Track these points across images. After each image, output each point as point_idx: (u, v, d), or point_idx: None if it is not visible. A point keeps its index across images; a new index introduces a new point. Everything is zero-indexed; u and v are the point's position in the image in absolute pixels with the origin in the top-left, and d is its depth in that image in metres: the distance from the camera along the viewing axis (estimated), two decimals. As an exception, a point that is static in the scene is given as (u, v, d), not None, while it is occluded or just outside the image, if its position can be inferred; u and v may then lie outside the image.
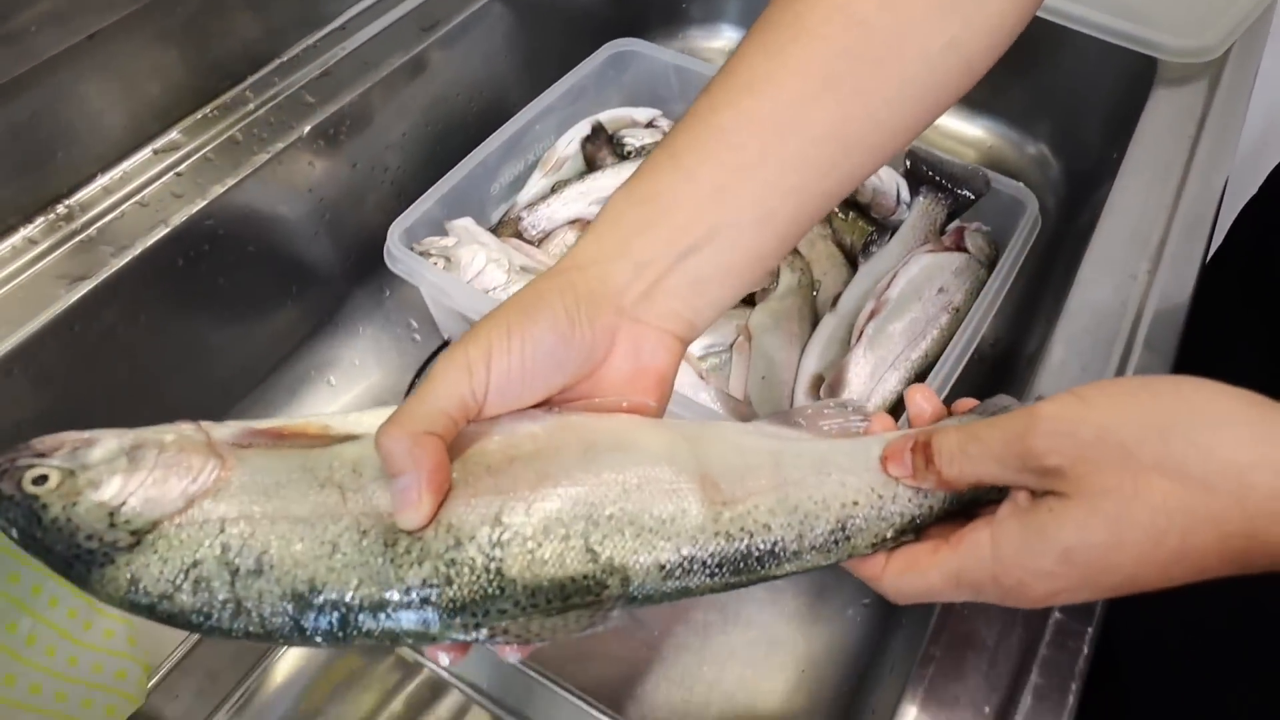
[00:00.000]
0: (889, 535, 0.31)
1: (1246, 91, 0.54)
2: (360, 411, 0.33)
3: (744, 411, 0.53)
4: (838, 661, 0.51)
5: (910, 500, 0.30)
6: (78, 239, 0.49)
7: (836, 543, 0.31)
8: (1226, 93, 0.54)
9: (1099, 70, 0.62)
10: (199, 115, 0.54)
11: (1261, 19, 0.58)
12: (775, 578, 0.31)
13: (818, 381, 0.54)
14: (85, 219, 0.50)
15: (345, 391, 0.62)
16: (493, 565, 0.29)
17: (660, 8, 0.80)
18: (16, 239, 0.48)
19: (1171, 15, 0.57)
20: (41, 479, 0.29)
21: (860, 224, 0.64)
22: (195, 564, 0.29)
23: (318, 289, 0.62)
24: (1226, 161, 0.50)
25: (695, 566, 0.30)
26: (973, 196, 0.58)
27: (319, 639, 0.29)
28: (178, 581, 0.29)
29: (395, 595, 0.28)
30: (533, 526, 0.29)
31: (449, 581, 0.29)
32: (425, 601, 0.29)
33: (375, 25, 0.60)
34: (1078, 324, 0.43)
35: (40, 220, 0.49)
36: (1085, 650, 0.34)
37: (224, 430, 0.31)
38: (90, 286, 0.47)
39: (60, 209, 0.50)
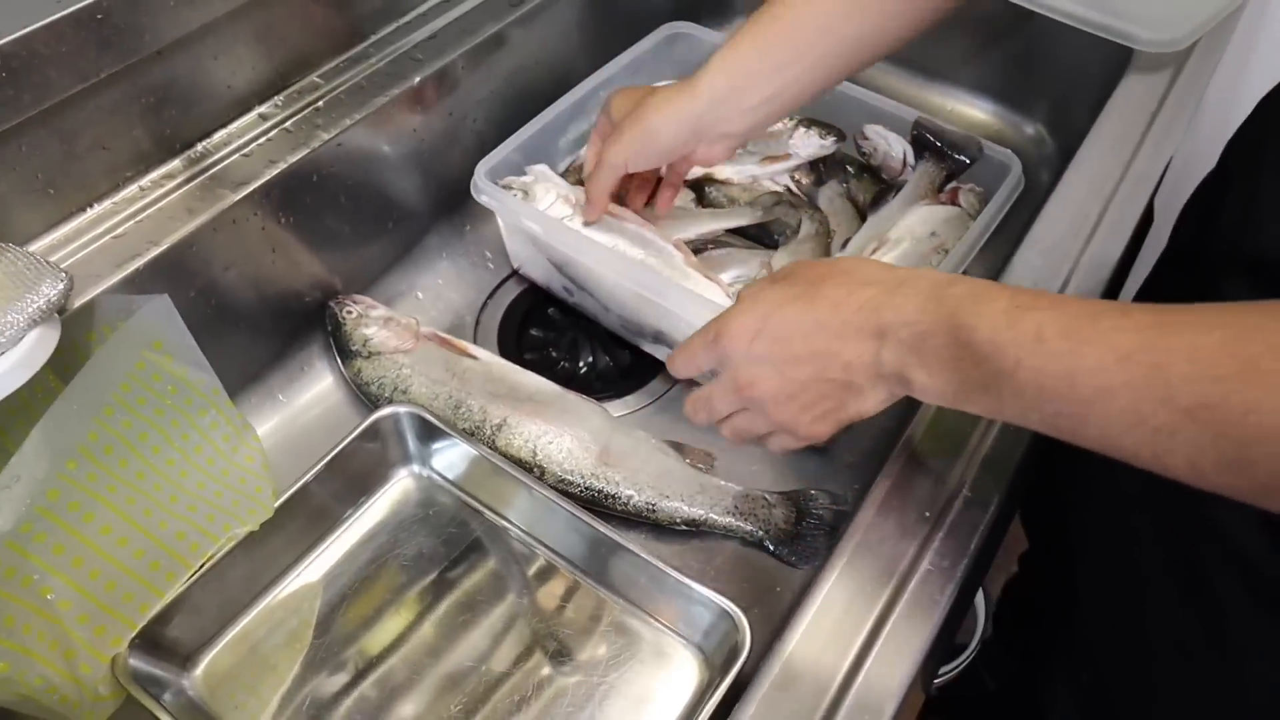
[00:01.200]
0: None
1: (1205, 78, 0.63)
2: (478, 347, 0.67)
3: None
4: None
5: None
6: (216, 169, 0.60)
7: (652, 506, 0.59)
8: (1187, 78, 0.63)
9: (1087, 59, 0.72)
10: (332, 64, 0.67)
11: (1230, 19, 0.67)
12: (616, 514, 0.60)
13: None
14: (222, 154, 0.62)
15: (430, 306, 0.74)
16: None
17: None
18: (158, 173, 0.59)
19: (1150, 11, 0.67)
20: (349, 312, 0.67)
21: (870, 184, 0.75)
22: (384, 376, 0.65)
23: (410, 220, 0.74)
24: (1178, 133, 0.59)
25: (578, 485, 0.60)
26: (968, 161, 0.69)
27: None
28: (376, 380, 0.65)
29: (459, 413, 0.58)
30: (524, 431, 0.62)
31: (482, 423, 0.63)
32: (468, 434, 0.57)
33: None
34: (1035, 248, 0.53)
35: (180, 158, 0.60)
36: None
37: (425, 328, 0.67)
38: (226, 206, 0.58)
39: (200, 147, 0.61)
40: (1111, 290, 0.52)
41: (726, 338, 0.44)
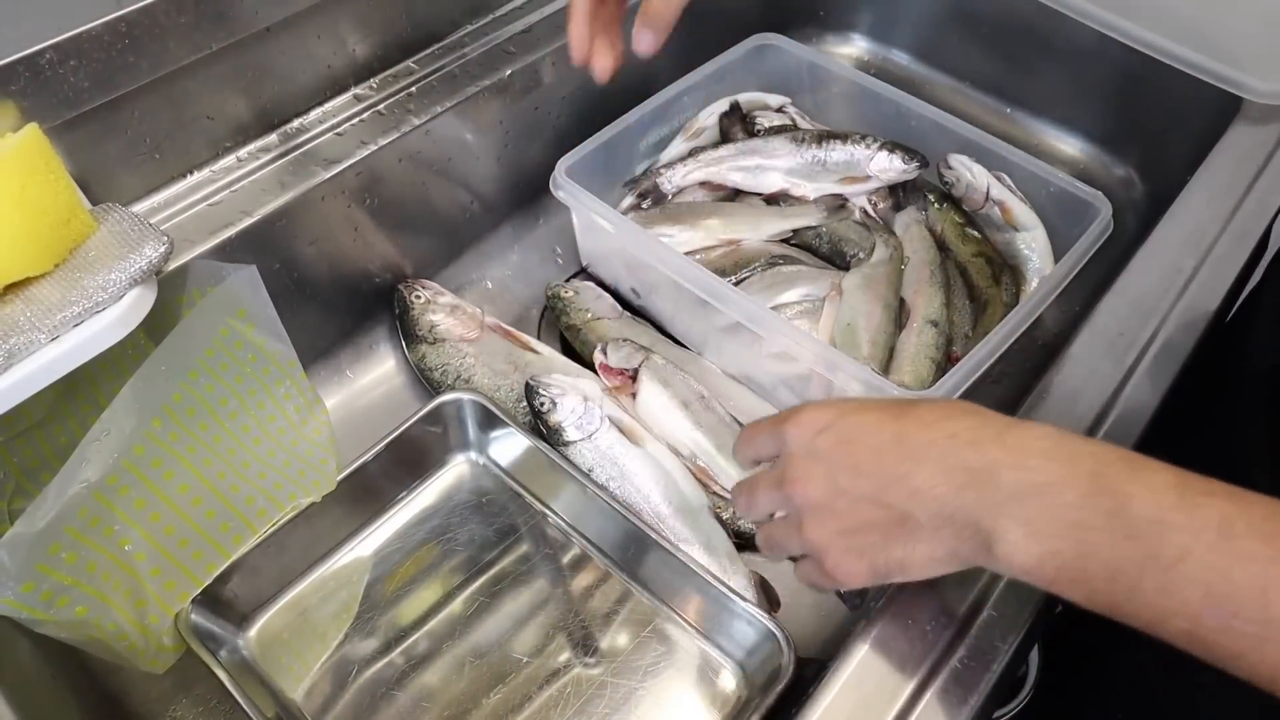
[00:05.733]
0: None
1: (1317, 135, 0.61)
2: (540, 343, 0.68)
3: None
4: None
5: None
6: (310, 146, 0.61)
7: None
8: (1298, 134, 0.61)
9: (1190, 103, 0.69)
10: (428, 51, 0.68)
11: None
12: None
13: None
14: (316, 131, 0.63)
15: (498, 297, 0.75)
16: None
17: (801, 12, 0.91)
18: (255, 146, 0.61)
19: (1263, 60, 0.65)
20: (418, 296, 0.68)
21: (952, 215, 0.74)
22: (447, 362, 0.66)
23: (486, 210, 0.75)
24: (1283, 190, 0.57)
25: None
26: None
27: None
28: (439, 367, 0.66)
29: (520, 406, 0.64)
30: None
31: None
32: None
33: (569, -2, 0.74)
34: (1123, 297, 0.52)
35: (277, 133, 0.61)
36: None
37: (489, 319, 0.68)
38: (316, 183, 0.60)
39: (296, 123, 0.63)
40: (1203, 349, 0.50)
41: (792, 423, 0.38)
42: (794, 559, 0.42)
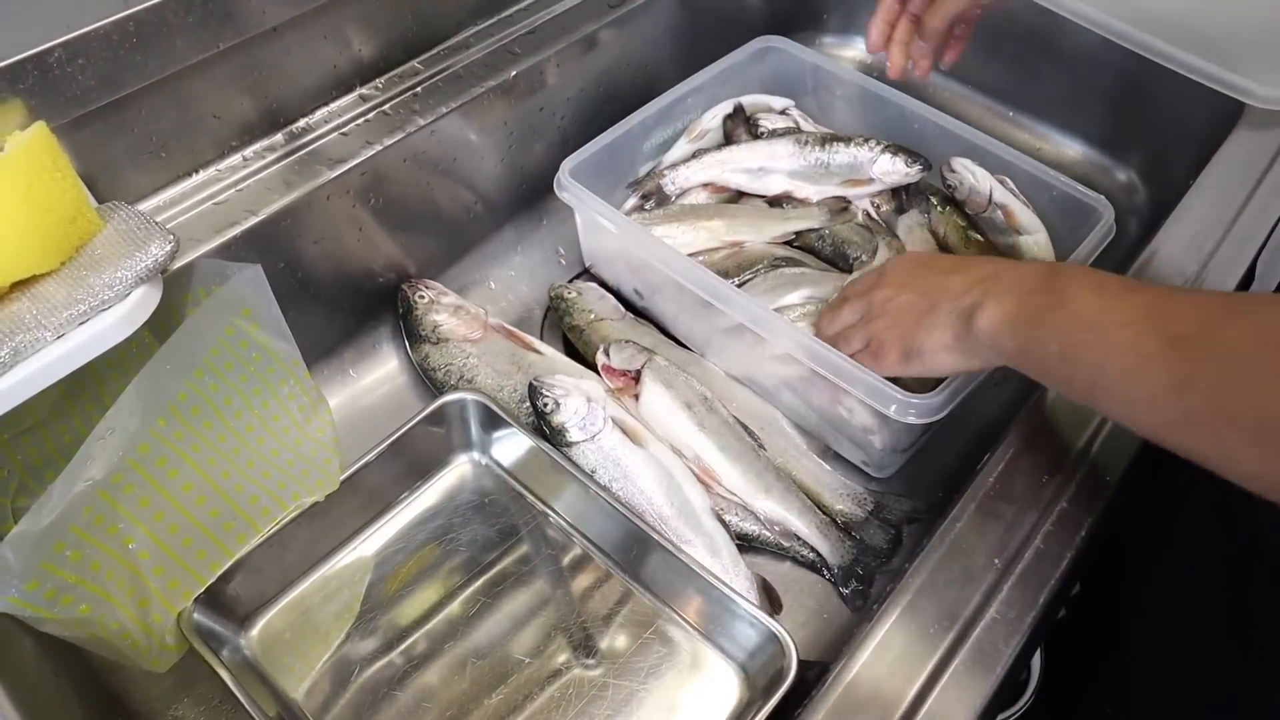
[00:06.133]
0: None
1: (1320, 140, 0.61)
2: (543, 343, 0.68)
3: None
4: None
5: None
6: (315, 145, 0.62)
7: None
8: (1300, 139, 0.61)
9: (1193, 109, 0.70)
10: (433, 51, 0.68)
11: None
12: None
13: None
14: (321, 131, 0.64)
15: (501, 297, 0.75)
16: None
17: (805, 14, 0.91)
18: (260, 145, 0.61)
19: (1265, 66, 0.65)
20: (421, 296, 0.68)
21: (954, 218, 0.74)
22: (450, 362, 0.66)
23: (489, 211, 0.75)
24: (1285, 195, 0.57)
25: None
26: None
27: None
28: (443, 366, 0.66)
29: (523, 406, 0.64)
30: None
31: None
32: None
33: (574, -1, 0.74)
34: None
35: (282, 132, 0.62)
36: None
37: (493, 319, 0.68)
38: (321, 182, 0.60)
39: (302, 123, 0.63)
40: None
41: (897, 257, 0.54)
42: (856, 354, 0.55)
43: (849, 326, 0.55)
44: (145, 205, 0.57)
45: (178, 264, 0.54)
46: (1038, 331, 0.41)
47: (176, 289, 0.54)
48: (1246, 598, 0.45)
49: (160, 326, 0.51)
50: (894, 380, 0.53)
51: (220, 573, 0.52)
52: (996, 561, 0.44)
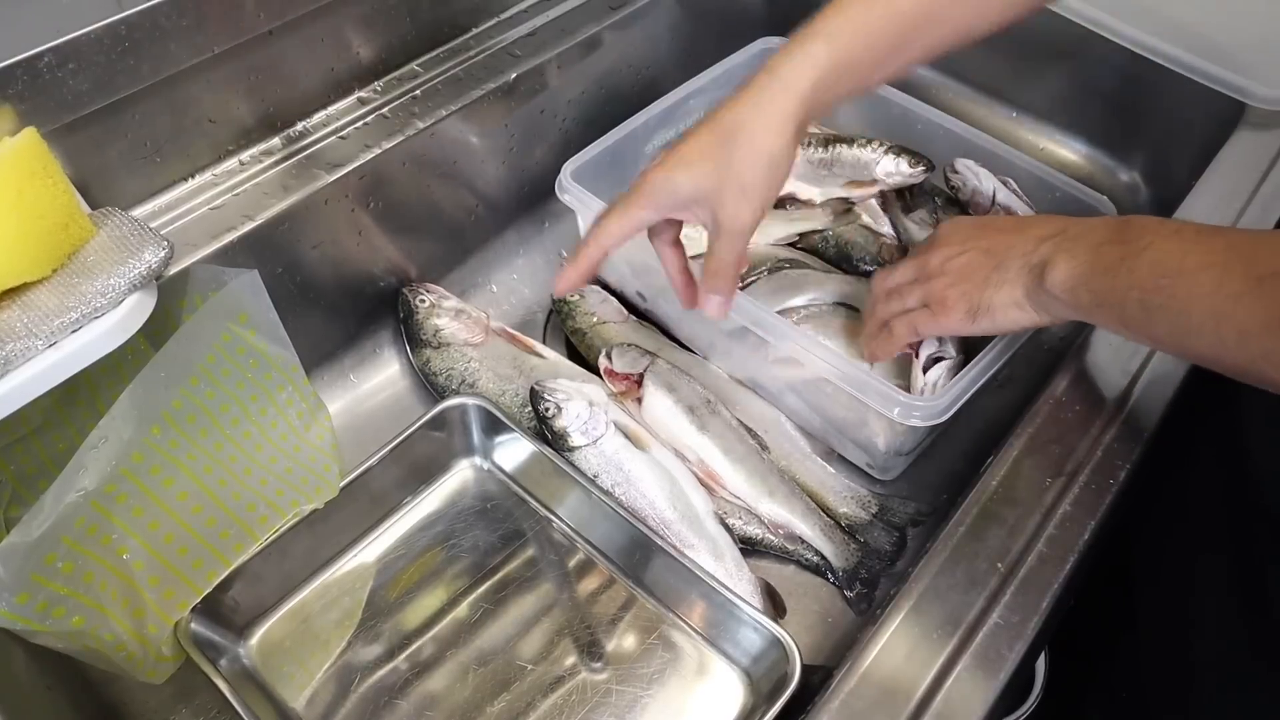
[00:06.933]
0: None
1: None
2: (545, 347, 0.68)
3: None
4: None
5: None
6: (313, 149, 0.61)
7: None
8: (1304, 139, 0.61)
9: (1195, 109, 0.69)
10: (432, 54, 0.67)
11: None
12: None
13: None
14: (319, 134, 0.63)
15: (503, 300, 0.74)
16: None
17: (806, 16, 0.90)
18: (258, 149, 0.61)
19: (1267, 66, 0.65)
20: (422, 300, 0.67)
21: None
22: (451, 367, 0.66)
23: (491, 214, 0.74)
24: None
25: None
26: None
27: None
28: (444, 371, 0.66)
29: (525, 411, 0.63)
30: None
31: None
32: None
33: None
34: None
35: (280, 136, 0.61)
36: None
37: (494, 323, 0.68)
38: (319, 186, 0.59)
39: (300, 126, 0.62)
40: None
41: (950, 221, 0.52)
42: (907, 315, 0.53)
43: (904, 284, 0.53)
44: (140, 211, 0.57)
45: (173, 270, 0.53)
46: (1114, 283, 0.41)
47: (172, 295, 0.53)
48: (1253, 556, 0.45)
49: (155, 333, 0.51)
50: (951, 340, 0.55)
51: (217, 582, 0.51)
52: (1000, 566, 0.43)
